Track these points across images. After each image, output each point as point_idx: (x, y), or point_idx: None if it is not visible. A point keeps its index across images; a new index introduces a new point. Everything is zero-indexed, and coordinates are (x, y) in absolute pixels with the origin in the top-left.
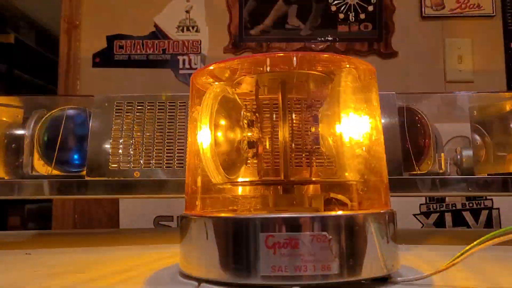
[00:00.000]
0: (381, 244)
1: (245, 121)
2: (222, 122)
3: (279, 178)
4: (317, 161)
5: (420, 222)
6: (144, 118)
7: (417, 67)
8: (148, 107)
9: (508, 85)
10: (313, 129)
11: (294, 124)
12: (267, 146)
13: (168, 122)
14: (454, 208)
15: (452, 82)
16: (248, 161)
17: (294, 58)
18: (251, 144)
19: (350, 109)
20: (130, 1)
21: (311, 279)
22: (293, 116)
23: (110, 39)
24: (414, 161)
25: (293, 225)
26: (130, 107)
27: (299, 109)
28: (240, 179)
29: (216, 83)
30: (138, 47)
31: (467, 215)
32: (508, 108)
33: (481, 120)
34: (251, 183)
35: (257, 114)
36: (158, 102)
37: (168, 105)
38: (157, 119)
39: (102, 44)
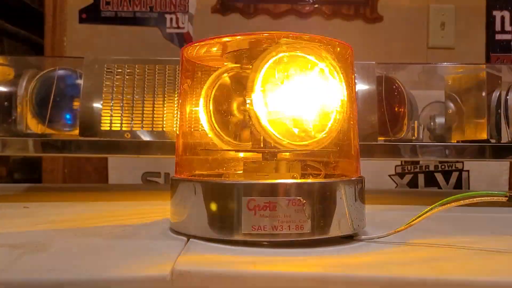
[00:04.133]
0: (349, 208)
1: None
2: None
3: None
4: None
5: (395, 182)
6: (134, 81)
7: (401, 32)
8: (138, 70)
9: (486, 52)
10: None
11: None
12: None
13: (157, 85)
14: (427, 169)
15: (434, 48)
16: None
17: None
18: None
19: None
20: None
21: (286, 236)
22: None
23: None
24: (389, 128)
25: (272, 191)
26: (120, 70)
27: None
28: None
29: None
30: (125, 3)
31: (439, 177)
32: (481, 78)
33: (455, 88)
34: (236, 150)
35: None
36: (148, 66)
37: (157, 69)
38: (146, 82)
39: None
